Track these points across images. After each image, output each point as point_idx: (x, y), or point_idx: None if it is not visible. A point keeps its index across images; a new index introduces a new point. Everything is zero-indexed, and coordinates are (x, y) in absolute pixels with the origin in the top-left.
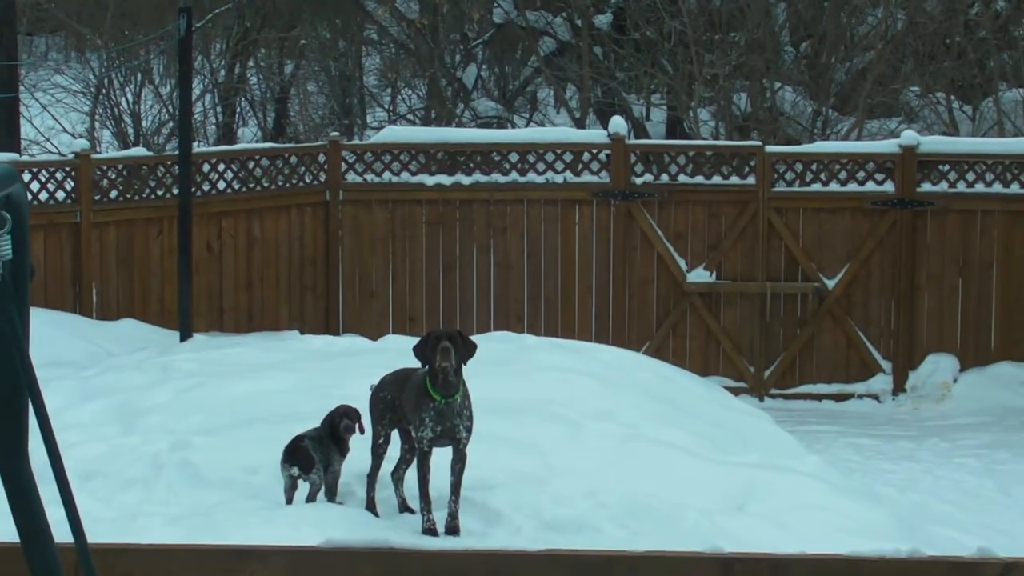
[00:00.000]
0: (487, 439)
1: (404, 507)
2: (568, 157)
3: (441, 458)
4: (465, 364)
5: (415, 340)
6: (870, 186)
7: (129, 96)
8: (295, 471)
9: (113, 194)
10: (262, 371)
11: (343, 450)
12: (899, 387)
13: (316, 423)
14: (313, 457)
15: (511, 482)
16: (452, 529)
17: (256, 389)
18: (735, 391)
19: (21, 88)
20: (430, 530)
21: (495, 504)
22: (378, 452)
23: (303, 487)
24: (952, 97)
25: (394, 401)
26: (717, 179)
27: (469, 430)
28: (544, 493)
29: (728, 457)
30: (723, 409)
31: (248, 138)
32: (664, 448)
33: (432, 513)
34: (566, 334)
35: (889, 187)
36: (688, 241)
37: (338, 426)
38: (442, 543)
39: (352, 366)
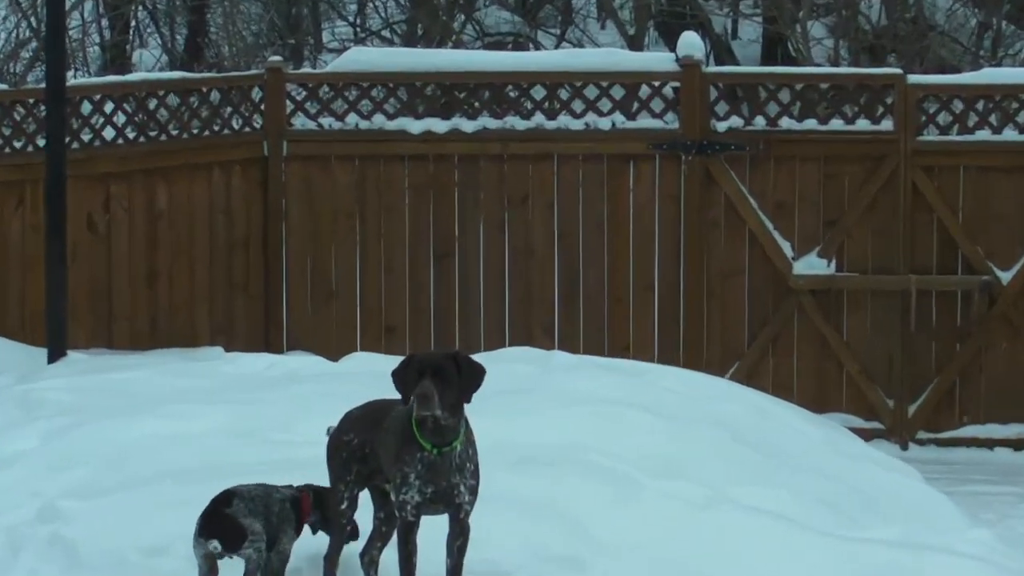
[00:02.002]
0: (500, 503)
1: None
2: (618, 92)
3: (433, 531)
4: (468, 400)
5: (394, 360)
6: None
7: None
8: (214, 545)
9: None
10: (171, 406)
11: (297, 524)
12: None
13: (250, 480)
14: (242, 526)
15: (534, 564)
16: None
17: (162, 432)
18: (865, 434)
19: None
20: None
21: None
22: (341, 523)
23: (230, 570)
24: None
25: (363, 448)
26: (837, 123)
27: (474, 491)
28: None
29: (854, 531)
30: (847, 460)
31: (149, 65)
32: (758, 517)
33: None
34: (615, 351)
35: None
36: (795, 215)
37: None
38: None
39: (303, 398)
